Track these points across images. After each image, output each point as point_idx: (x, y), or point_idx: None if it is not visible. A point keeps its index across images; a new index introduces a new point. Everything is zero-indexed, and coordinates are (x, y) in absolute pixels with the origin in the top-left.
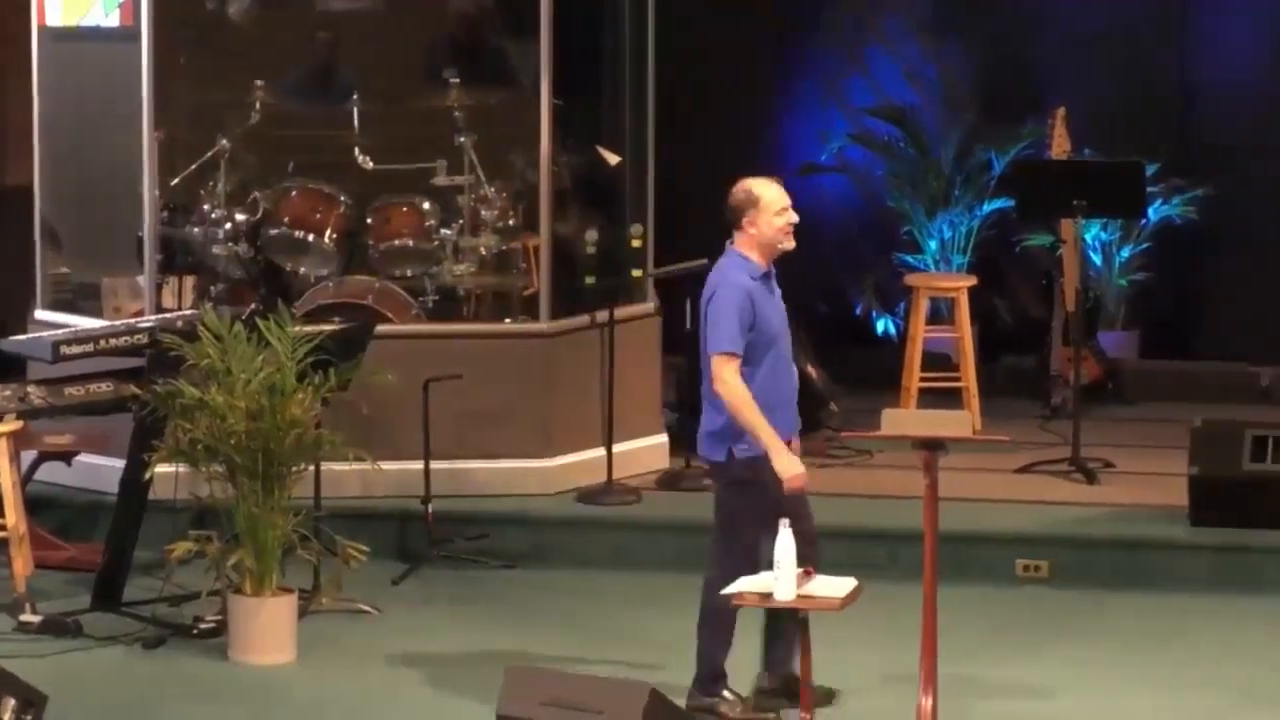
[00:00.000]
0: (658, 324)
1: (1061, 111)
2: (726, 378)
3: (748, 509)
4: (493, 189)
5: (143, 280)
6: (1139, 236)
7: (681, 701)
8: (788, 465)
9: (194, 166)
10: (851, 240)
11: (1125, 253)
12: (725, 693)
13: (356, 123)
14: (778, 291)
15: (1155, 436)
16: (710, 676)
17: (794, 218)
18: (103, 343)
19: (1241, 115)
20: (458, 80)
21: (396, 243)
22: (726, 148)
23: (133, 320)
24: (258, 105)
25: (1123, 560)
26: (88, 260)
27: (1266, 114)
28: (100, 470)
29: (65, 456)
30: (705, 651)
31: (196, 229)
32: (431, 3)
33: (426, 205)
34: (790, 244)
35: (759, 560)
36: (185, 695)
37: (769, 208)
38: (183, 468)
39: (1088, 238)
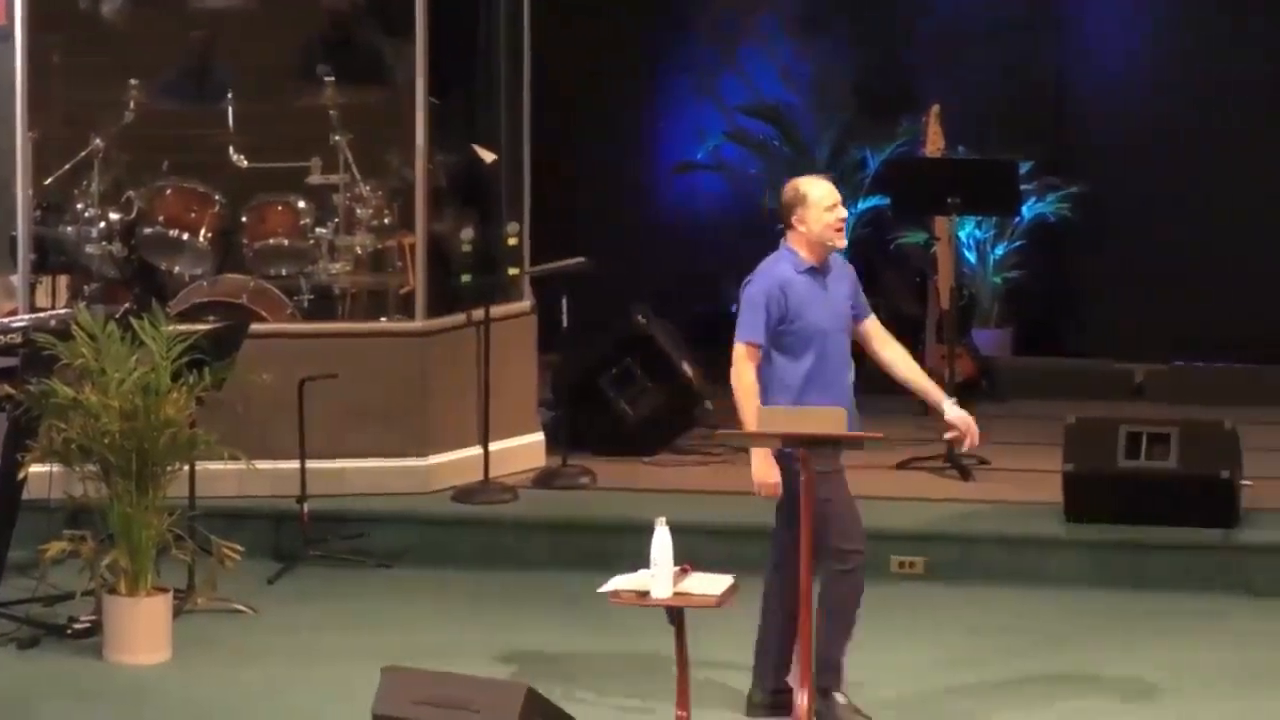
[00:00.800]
0: (533, 322)
1: (936, 109)
2: (738, 365)
3: (792, 500)
4: (368, 187)
5: (16, 280)
6: (1013, 234)
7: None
8: (758, 469)
9: (68, 166)
10: (726, 238)
11: (999, 250)
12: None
13: (231, 121)
14: (837, 288)
15: (1030, 433)
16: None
17: (843, 213)
18: None
19: (1115, 113)
20: (333, 79)
21: (271, 241)
22: (602, 146)
23: (6, 320)
24: (132, 104)
25: (998, 556)
26: None
27: (1139, 112)
28: None
29: None
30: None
31: (70, 228)
32: (306, 1)
33: (302, 204)
34: (840, 241)
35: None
36: (60, 695)
37: (818, 204)
38: (57, 467)
39: (962, 235)
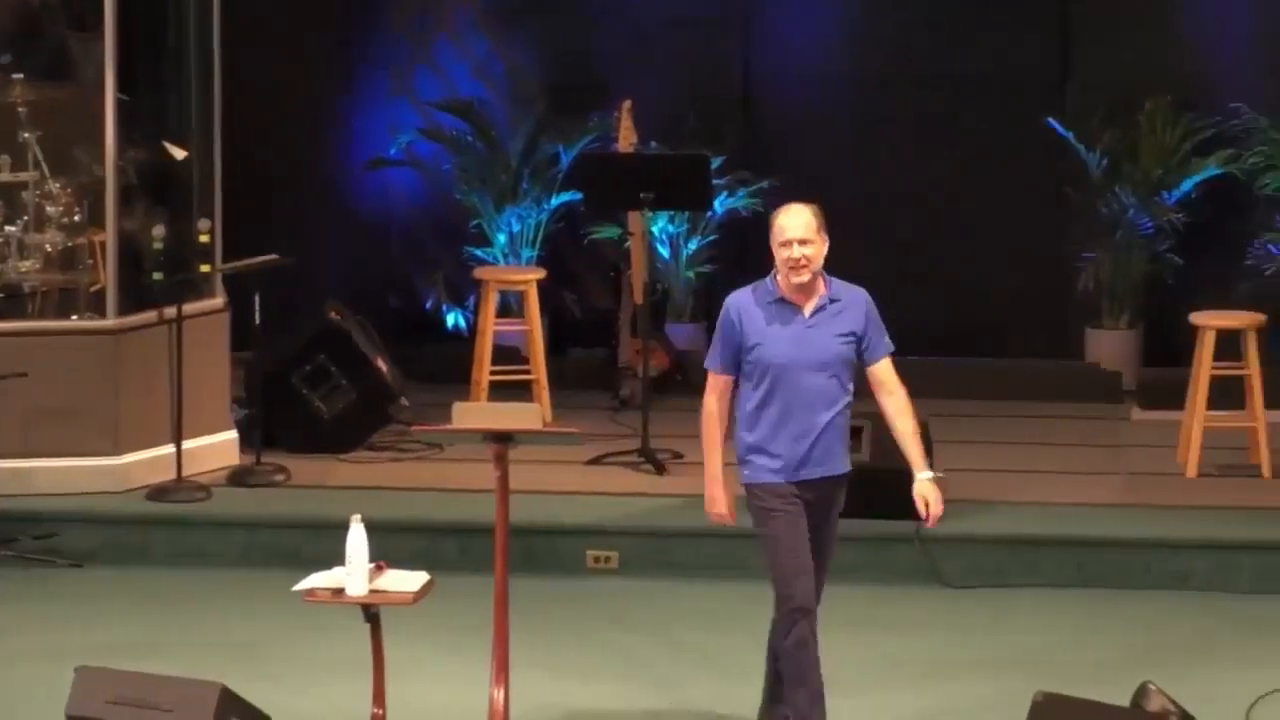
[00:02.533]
0: (226, 320)
1: (628, 104)
2: (706, 393)
3: (762, 531)
4: (58, 185)
5: None
6: (706, 229)
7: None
8: (709, 498)
9: None
10: (421, 234)
11: (692, 245)
12: None
13: None
14: (827, 325)
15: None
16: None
17: (798, 253)
18: None
19: (804, 107)
20: (20, 75)
21: None
22: (294, 142)
23: None
24: None
25: (691, 550)
26: None
27: (829, 106)
28: None
29: None
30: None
31: None
32: None
33: None
34: (796, 278)
35: (796, 588)
36: None
37: (774, 238)
38: None
39: (655, 230)
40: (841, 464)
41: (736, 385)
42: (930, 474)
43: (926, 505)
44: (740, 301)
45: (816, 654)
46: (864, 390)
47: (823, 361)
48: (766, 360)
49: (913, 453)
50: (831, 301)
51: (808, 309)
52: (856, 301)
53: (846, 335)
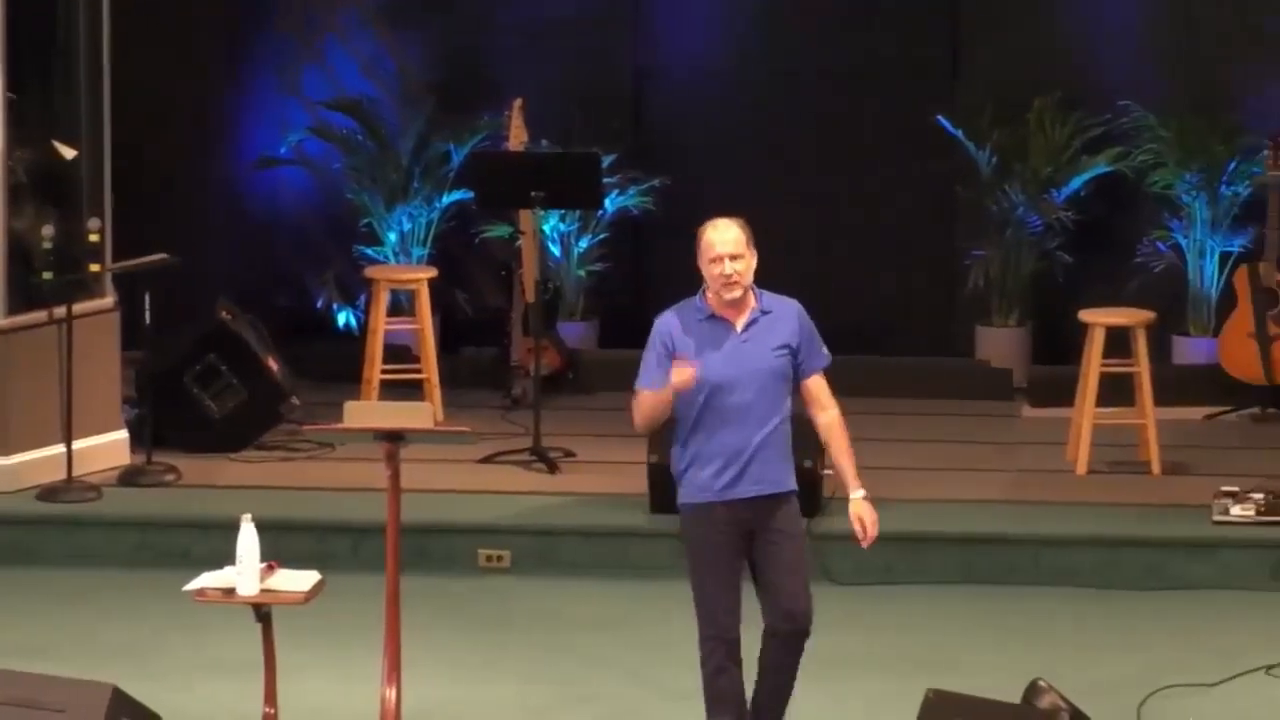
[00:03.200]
0: (116, 319)
1: (518, 103)
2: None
3: (688, 556)
4: None
5: None
6: (597, 227)
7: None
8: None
9: None
10: (311, 233)
11: (584, 244)
12: None
13: None
14: (762, 339)
15: (616, 425)
16: None
17: (728, 269)
18: None
19: (694, 105)
20: None
21: None
22: (183, 141)
23: None
24: None
25: (583, 548)
26: None
27: (719, 104)
28: None
29: None
30: None
31: None
32: None
33: None
34: (728, 294)
35: (717, 615)
36: None
37: (702, 254)
38: None
39: (546, 229)
40: (781, 481)
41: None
42: (863, 493)
43: (863, 525)
44: (669, 324)
45: (737, 681)
46: None
47: (756, 378)
48: (700, 379)
49: (847, 471)
50: (764, 314)
51: (739, 324)
52: (789, 313)
53: (780, 349)
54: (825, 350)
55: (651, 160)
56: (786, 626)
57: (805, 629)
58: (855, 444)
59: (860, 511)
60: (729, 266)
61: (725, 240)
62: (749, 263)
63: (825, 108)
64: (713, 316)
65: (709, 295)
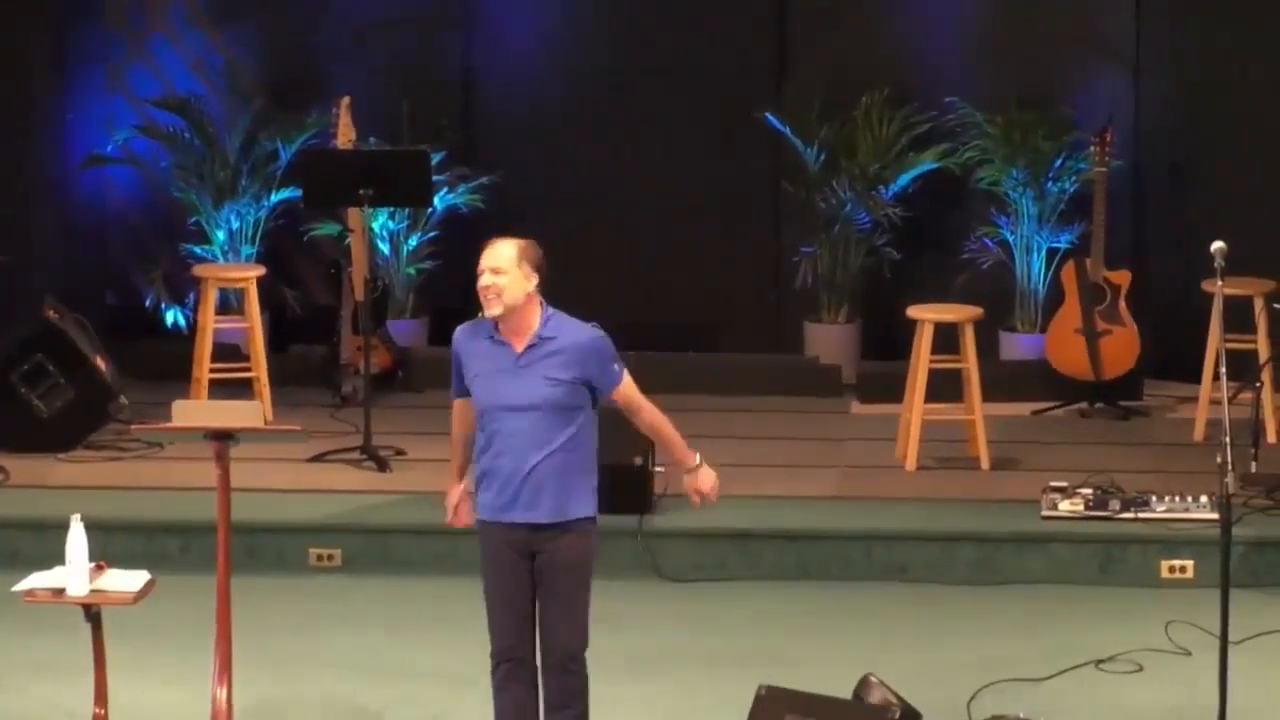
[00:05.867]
0: None
1: (346, 100)
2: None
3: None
4: None
5: None
6: (427, 225)
7: None
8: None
9: None
10: (139, 232)
11: (413, 241)
12: None
13: None
14: (541, 366)
15: (445, 424)
16: None
17: (488, 281)
18: None
19: (523, 102)
20: None
21: None
22: (7, 140)
23: None
24: None
25: (414, 546)
26: None
27: (548, 100)
28: None
29: None
30: None
31: None
32: None
33: None
34: (490, 310)
35: (496, 632)
36: None
37: (479, 270)
38: None
39: (375, 227)
40: (554, 510)
41: None
42: (699, 458)
43: (701, 495)
44: (461, 336)
45: (520, 700)
46: None
47: (531, 403)
48: (477, 398)
49: (677, 446)
50: (543, 339)
51: (519, 346)
52: (576, 345)
53: (555, 380)
54: (617, 367)
55: (481, 158)
56: (547, 660)
57: (566, 665)
58: (687, 440)
59: (697, 484)
60: (488, 279)
61: (491, 254)
62: (516, 281)
63: (653, 105)
64: (494, 338)
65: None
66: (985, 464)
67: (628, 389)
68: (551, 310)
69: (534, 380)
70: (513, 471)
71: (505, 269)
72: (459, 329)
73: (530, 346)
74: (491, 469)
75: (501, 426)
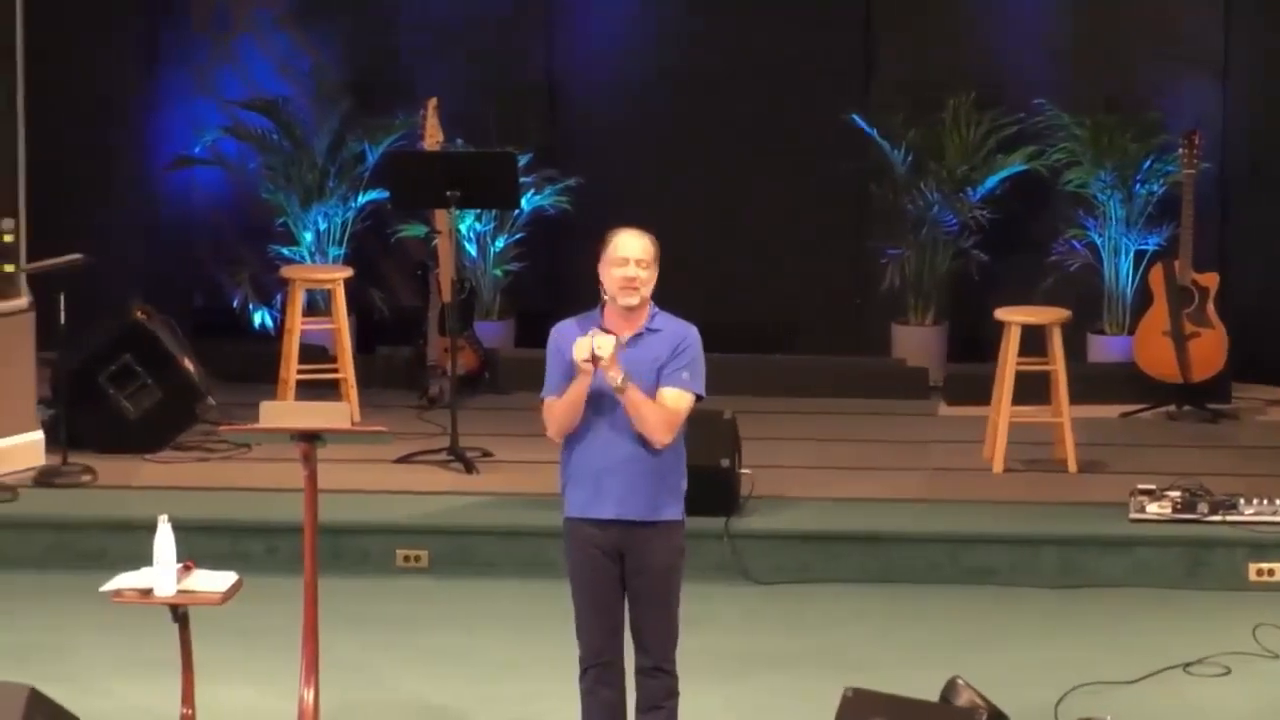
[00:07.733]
0: (31, 320)
1: (433, 102)
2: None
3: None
4: None
5: None
6: (513, 227)
7: None
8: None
9: None
10: (227, 233)
11: (500, 243)
12: None
13: None
14: (643, 354)
15: (532, 425)
16: None
17: (633, 272)
18: None
19: (609, 104)
20: None
21: None
22: (98, 141)
23: None
24: None
25: (500, 548)
26: None
27: (633, 103)
28: None
29: None
30: None
31: None
32: None
33: None
34: (626, 300)
35: (584, 636)
36: None
37: (608, 257)
38: None
39: (462, 228)
40: (644, 509)
41: None
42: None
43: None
44: (565, 330)
45: (609, 704)
46: None
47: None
48: (591, 386)
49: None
50: (650, 332)
51: (625, 339)
52: (675, 333)
53: (652, 363)
54: (688, 376)
55: (567, 159)
56: (642, 663)
57: (661, 666)
58: (771, 443)
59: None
60: (633, 269)
61: (634, 246)
62: (652, 275)
63: (740, 106)
64: (603, 329)
65: (605, 309)
66: (1072, 466)
67: (678, 400)
68: (657, 308)
69: (638, 371)
70: (605, 465)
71: (649, 262)
72: (563, 323)
73: (636, 337)
74: (584, 462)
75: (601, 417)
